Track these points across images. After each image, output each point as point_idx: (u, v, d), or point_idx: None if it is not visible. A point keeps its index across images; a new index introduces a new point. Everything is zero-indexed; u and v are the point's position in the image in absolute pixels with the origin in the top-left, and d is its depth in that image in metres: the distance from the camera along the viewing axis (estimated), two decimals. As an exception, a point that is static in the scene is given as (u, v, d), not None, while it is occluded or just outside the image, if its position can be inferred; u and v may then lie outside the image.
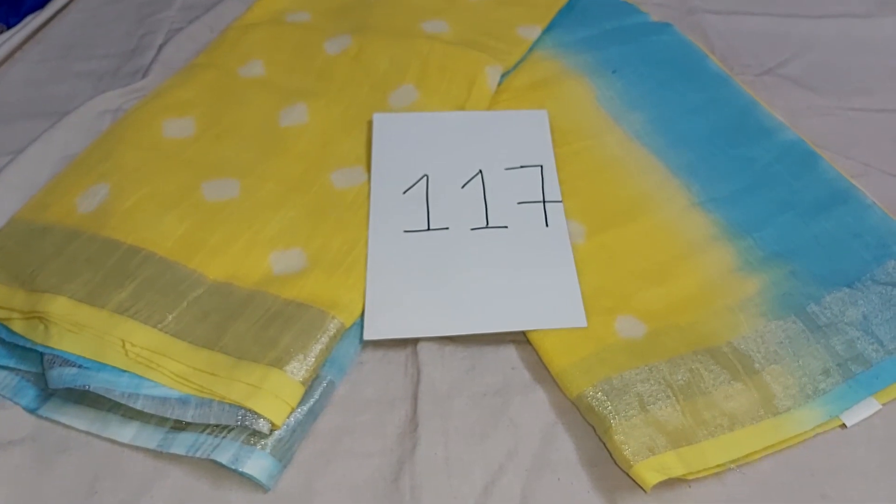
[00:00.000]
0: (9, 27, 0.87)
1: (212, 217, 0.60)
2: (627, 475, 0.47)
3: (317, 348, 0.51)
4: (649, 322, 0.55)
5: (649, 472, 0.46)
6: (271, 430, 0.49)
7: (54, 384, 0.50)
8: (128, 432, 0.50)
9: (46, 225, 0.60)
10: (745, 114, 0.69)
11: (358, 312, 0.55)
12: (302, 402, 0.50)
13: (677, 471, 0.47)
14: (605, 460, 0.49)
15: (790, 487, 0.48)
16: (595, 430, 0.50)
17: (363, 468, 0.49)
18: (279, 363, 0.50)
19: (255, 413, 0.48)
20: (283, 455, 0.49)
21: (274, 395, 0.49)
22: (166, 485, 0.48)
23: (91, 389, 0.49)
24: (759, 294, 0.56)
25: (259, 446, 0.48)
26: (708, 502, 0.47)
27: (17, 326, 0.53)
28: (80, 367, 0.51)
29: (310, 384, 0.51)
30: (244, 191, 0.63)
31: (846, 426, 0.50)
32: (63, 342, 0.51)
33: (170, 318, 0.53)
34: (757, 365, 0.52)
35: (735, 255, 0.59)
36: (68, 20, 0.88)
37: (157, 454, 0.49)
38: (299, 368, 0.50)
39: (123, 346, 0.51)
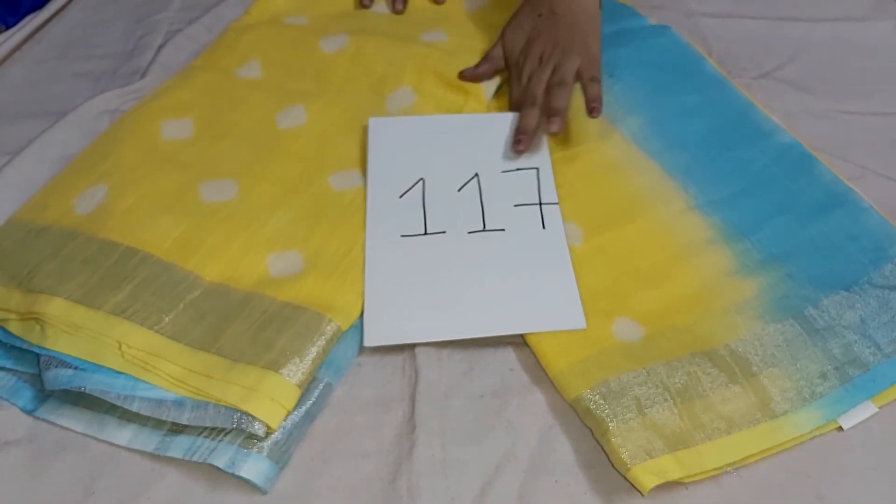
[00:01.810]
0: (7, 27, 0.87)
1: (209, 218, 0.60)
2: (625, 478, 0.47)
3: (313, 351, 0.51)
4: (647, 325, 0.55)
5: (646, 475, 0.46)
6: (267, 433, 0.48)
7: (50, 385, 0.50)
8: (125, 435, 0.50)
9: (44, 225, 0.59)
10: (742, 116, 0.69)
11: (355, 315, 0.55)
12: (298, 404, 0.50)
13: (674, 474, 0.47)
14: (603, 463, 0.49)
15: (787, 490, 0.48)
16: (592, 433, 0.50)
17: (360, 469, 0.49)
18: (275, 366, 0.50)
19: (251, 416, 0.48)
20: (280, 458, 0.48)
21: (270, 398, 0.49)
22: (163, 486, 0.48)
23: (87, 391, 0.49)
24: (757, 297, 0.56)
25: (255, 449, 0.48)
26: (705, 505, 0.47)
27: (14, 327, 0.53)
28: (76, 368, 0.50)
29: (307, 386, 0.51)
30: (241, 192, 0.63)
31: (843, 429, 0.50)
32: (59, 343, 0.51)
33: (166, 319, 0.53)
34: (754, 368, 0.52)
35: (732, 258, 0.59)
36: (67, 21, 0.88)
37: (154, 456, 0.49)
38: (295, 371, 0.50)
39: (120, 348, 0.51)
